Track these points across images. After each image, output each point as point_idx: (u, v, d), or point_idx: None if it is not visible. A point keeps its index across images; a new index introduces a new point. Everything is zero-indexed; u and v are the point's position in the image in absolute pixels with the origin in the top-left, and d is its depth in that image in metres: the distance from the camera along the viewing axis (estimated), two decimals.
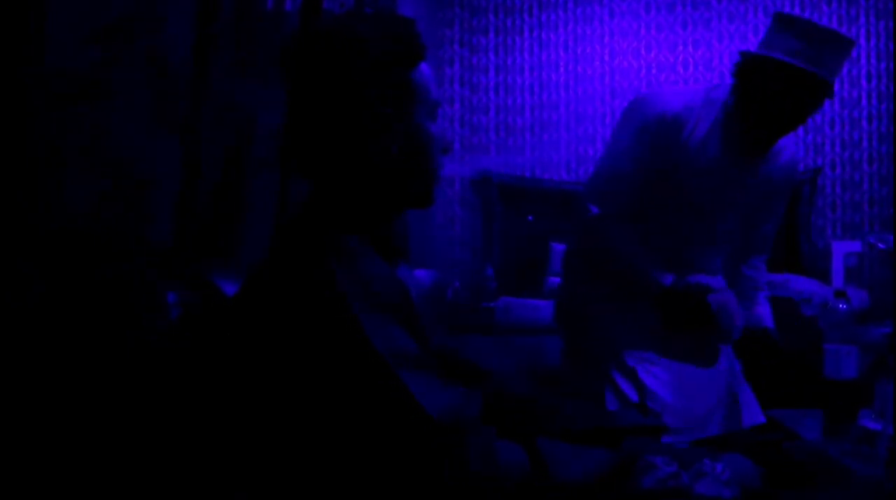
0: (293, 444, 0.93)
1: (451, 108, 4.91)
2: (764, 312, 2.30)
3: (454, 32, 4.94)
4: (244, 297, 1.06)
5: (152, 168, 1.51)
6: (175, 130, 1.62)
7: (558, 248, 4.12)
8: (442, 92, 4.89)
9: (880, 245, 1.86)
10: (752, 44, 4.69)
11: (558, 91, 4.90)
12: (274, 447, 0.93)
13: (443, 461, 0.88)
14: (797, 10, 4.80)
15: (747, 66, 2.10)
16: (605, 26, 4.90)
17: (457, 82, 4.93)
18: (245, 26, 1.85)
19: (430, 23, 4.66)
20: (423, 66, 1.08)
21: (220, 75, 1.69)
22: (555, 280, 4.30)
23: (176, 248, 1.56)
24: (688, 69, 4.85)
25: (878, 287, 4.26)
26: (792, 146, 2.32)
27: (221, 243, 1.58)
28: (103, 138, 1.35)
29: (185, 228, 1.54)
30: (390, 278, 1.05)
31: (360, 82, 1.02)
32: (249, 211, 1.68)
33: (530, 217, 4.52)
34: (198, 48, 1.58)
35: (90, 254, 1.22)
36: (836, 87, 4.67)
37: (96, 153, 1.33)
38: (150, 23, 1.55)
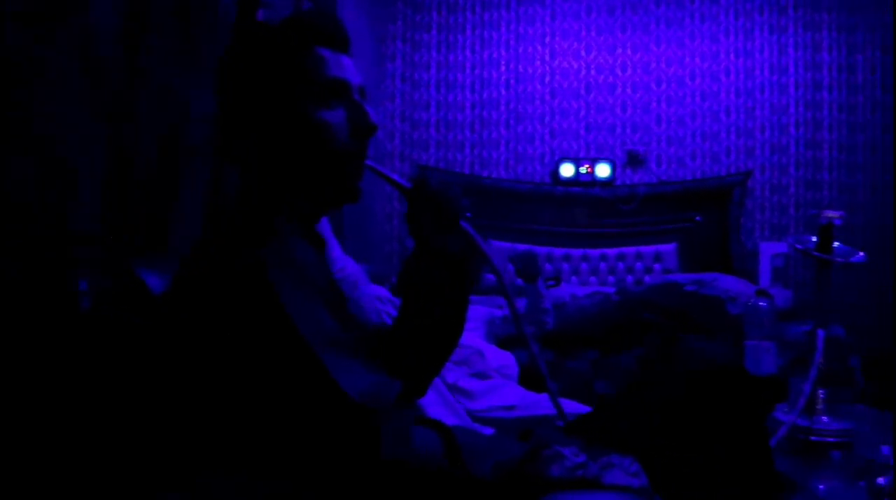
0: (219, 426, 0.93)
1: (393, 103, 4.91)
2: None
3: (397, 28, 4.93)
4: (176, 281, 1.05)
5: (82, 153, 1.48)
6: (106, 117, 1.59)
7: (500, 245, 4.16)
8: (383, 88, 4.89)
9: (798, 246, 1.93)
10: (689, 48, 4.86)
11: (499, 89, 4.94)
12: (200, 430, 0.93)
13: (359, 443, 0.89)
14: (731, 21, 4.95)
15: None
16: (546, 27, 4.96)
17: (398, 78, 4.93)
18: (181, 10, 1.83)
19: (374, 19, 4.64)
20: (323, 52, 1.06)
21: (154, 60, 1.66)
22: (491, 277, 4.35)
23: (104, 235, 1.53)
24: (626, 71, 4.94)
25: (801, 287, 4.42)
26: None
27: (151, 231, 1.56)
28: (32, 121, 1.32)
29: (113, 215, 1.52)
30: (317, 263, 1.06)
31: (255, 69, 1.04)
32: (182, 199, 1.66)
33: (468, 214, 4.53)
34: (129, 31, 1.55)
35: (11, 240, 1.19)
36: (767, 94, 4.88)
37: (25, 137, 1.30)
38: (80, 2, 1.51)
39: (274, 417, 0.92)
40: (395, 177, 1.15)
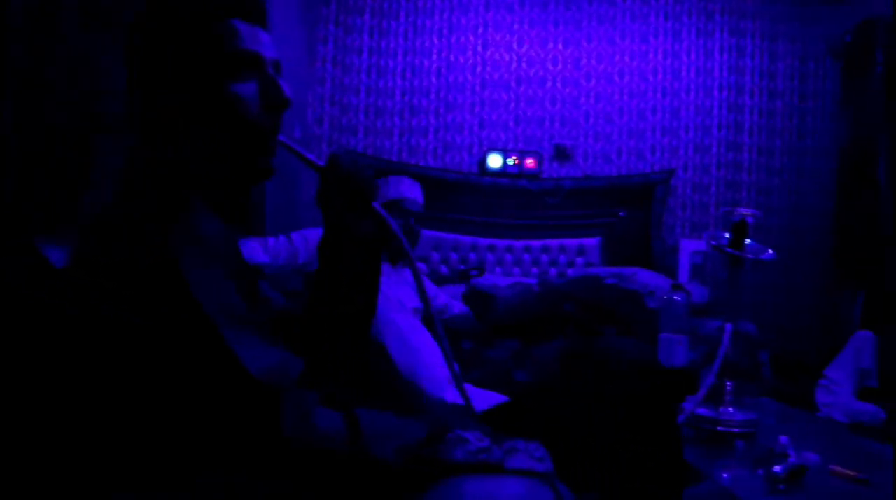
0: (120, 400, 0.90)
1: (322, 87, 4.84)
2: None
3: (330, 11, 4.85)
4: (79, 255, 1.01)
5: None
6: (12, 85, 1.52)
7: (426, 233, 4.15)
8: (314, 71, 4.82)
9: (712, 242, 1.98)
10: (619, 46, 4.94)
11: (430, 78, 4.92)
12: (98, 404, 0.90)
13: (259, 421, 0.87)
14: (661, 22, 5.04)
15: None
16: (479, 17, 4.96)
17: (329, 62, 4.86)
18: None
19: (306, 1, 4.57)
20: (238, 24, 1.03)
21: (67, 27, 1.59)
22: (421, 266, 4.35)
23: (11, 210, 1.47)
24: (556, 66, 4.98)
25: (716, 284, 4.54)
26: None
27: (58, 205, 1.50)
28: None
29: (16, 189, 1.46)
30: (226, 238, 1.04)
31: (166, 38, 1.01)
32: (94, 172, 1.60)
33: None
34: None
35: None
36: (692, 95, 5.00)
37: None
38: None
39: (176, 395, 0.90)
40: (308, 155, 1.13)
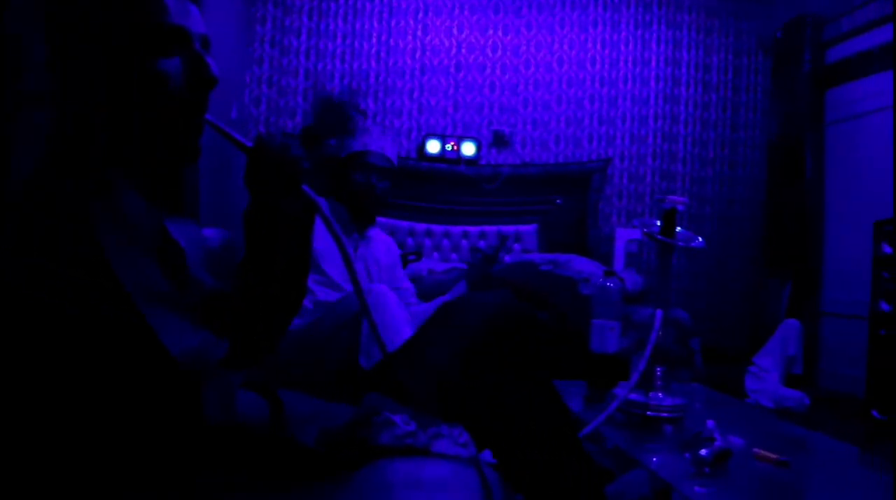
0: (38, 382, 0.86)
1: (261, 68, 4.75)
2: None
3: None
4: (3, 228, 0.96)
5: None
6: None
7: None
8: (251, 51, 4.72)
9: (644, 229, 2.00)
10: (559, 35, 4.96)
11: (369, 61, 4.87)
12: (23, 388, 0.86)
13: (180, 403, 0.84)
14: (599, 12, 5.08)
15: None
16: (419, 2, 4.93)
17: (267, 43, 4.77)
18: None
19: None
20: None
21: None
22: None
23: None
24: (496, 53, 4.99)
25: (653, 273, 4.62)
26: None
27: None
28: None
29: None
30: (149, 216, 1.00)
31: (89, 10, 0.96)
32: (15, 148, 1.54)
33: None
34: None
35: None
36: (629, 85, 5.06)
37: None
38: None
39: (95, 378, 0.86)
40: (236, 134, 1.10)
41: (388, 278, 2.64)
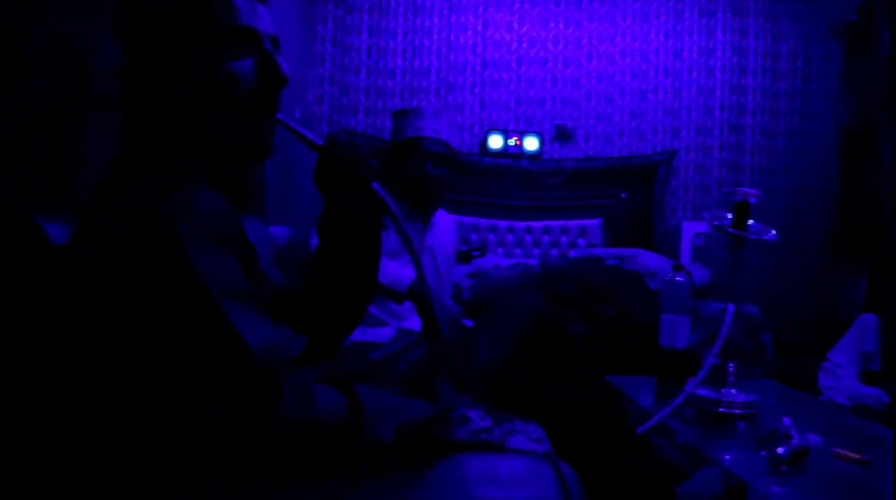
0: (122, 377, 0.89)
1: (322, 67, 4.81)
2: None
3: None
4: (78, 231, 1.00)
5: None
6: (6, 64, 1.50)
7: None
8: (313, 51, 4.78)
9: (714, 222, 1.96)
10: (620, 27, 4.89)
11: (430, 58, 4.89)
12: (107, 382, 0.89)
13: (259, 398, 0.86)
14: (662, 2, 5.00)
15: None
16: None
17: (329, 42, 4.83)
18: None
19: None
20: None
21: (53, 14, 1.58)
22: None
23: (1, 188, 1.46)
24: (557, 46, 4.95)
25: (720, 266, 4.53)
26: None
27: (51, 182, 1.49)
28: None
29: (9, 165, 1.44)
30: (226, 214, 1.02)
31: (161, 13, 0.98)
32: (86, 149, 1.59)
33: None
34: None
35: None
36: (694, 76, 4.96)
37: None
38: None
39: (180, 372, 0.88)
40: (307, 133, 1.12)
41: (446, 268, 2.59)
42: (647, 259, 3.66)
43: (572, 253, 4.23)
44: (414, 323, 2.27)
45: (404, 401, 0.98)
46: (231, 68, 1.00)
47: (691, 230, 4.80)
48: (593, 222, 4.55)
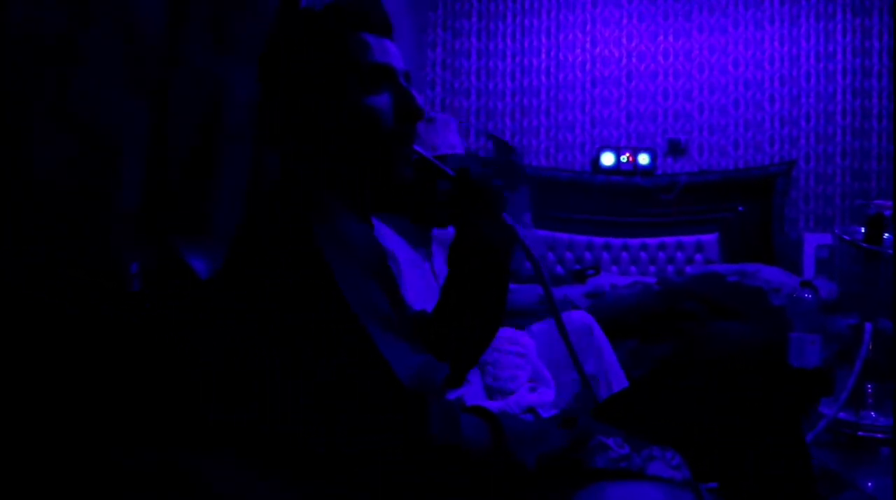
0: (269, 399, 0.93)
1: (433, 91, 4.91)
2: None
3: (437, 16, 4.92)
4: (228, 263, 1.06)
5: (121, 134, 1.50)
6: (146, 97, 1.60)
7: (539, 234, 4.16)
8: (423, 76, 4.89)
9: (846, 237, 1.90)
10: (732, 35, 4.79)
11: (539, 77, 4.91)
12: (251, 403, 0.93)
13: (407, 423, 0.89)
14: (776, 7, 4.86)
15: None
16: (587, 14, 4.91)
17: (439, 66, 4.93)
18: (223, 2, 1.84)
19: (414, 6, 4.64)
20: (367, 37, 1.05)
21: (194, 47, 1.68)
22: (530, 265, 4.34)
23: (144, 216, 1.55)
24: (667, 59, 4.88)
25: (847, 280, 4.34)
26: None
27: (191, 212, 1.58)
28: (71, 103, 1.34)
29: (153, 196, 1.54)
30: (369, 239, 1.07)
31: (300, 55, 1.04)
32: (221, 182, 1.68)
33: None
34: (171, 16, 1.57)
35: (54, 220, 1.21)
36: (813, 82, 4.78)
37: (64, 118, 1.32)
38: None
39: (326, 399, 0.92)
40: (440, 164, 1.15)
41: None
42: (769, 274, 3.55)
43: (688, 269, 4.15)
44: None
45: (543, 428, 0.99)
46: (372, 103, 1.04)
47: (814, 242, 4.62)
48: (710, 237, 4.46)
